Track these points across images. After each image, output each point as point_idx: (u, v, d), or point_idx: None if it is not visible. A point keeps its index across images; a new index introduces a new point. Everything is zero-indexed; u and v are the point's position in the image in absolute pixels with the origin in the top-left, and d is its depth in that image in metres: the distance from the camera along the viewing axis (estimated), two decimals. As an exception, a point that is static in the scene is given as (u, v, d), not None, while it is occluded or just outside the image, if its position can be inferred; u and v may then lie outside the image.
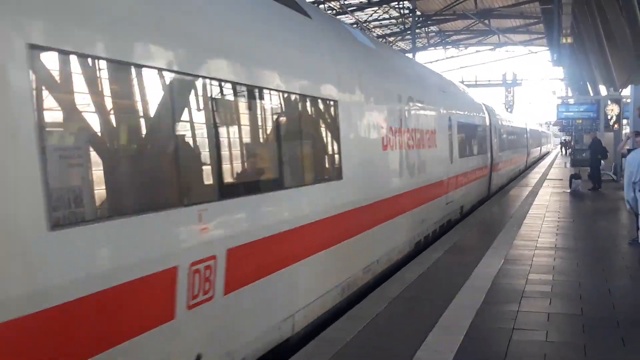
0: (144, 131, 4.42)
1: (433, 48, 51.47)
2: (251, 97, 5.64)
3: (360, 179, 7.88)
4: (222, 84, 5.08)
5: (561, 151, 59.23)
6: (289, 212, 6.06)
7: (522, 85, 58.75)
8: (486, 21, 40.14)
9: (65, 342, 3.34)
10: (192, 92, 4.72)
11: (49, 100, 3.47)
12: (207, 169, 4.88)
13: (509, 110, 48.02)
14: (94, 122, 3.88)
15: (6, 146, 3.05)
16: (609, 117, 24.28)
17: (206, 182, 4.88)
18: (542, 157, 53.26)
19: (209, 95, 4.82)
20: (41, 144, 3.22)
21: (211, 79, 4.85)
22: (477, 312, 6.76)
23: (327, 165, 7.38)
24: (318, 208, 6.70)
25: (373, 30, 43.64)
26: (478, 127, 17.80)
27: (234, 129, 5.48)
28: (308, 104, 6.82)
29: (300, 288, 6.30)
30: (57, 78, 3.60)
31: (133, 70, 4.05)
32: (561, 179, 26.00)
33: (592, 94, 31.11)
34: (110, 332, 3.65)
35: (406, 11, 37.73)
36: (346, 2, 36.57)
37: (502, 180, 23.37)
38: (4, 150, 3.03)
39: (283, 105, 6.22)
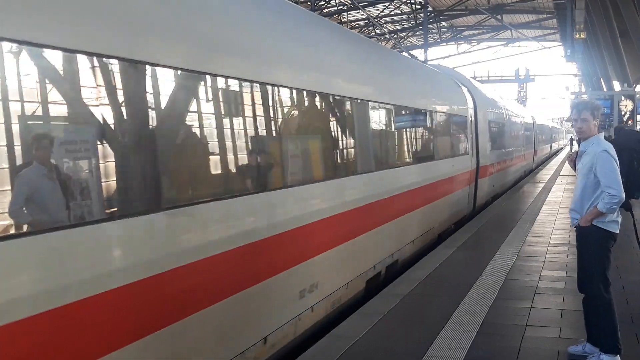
0: None
1: (445, 44, 51.29)
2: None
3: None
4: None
5: (571, 147, 58.82)
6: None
7: (535, 81, 58.47)
8: (498, 16, 39.92)
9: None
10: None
11: None
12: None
13: (521, 104, 47.67)
14: None
15: None
16: (623, 112, 24.12)
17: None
18: (552, 155, 52.55)
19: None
20: None
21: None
22: (490, 308, 6.74)
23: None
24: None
25: (384, 25, 43.53)
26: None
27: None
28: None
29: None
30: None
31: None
32: (574, 175, 25.80)
33: (605, 90, 30.91)
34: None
35: (418, 6, 37.55)
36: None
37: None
38: None
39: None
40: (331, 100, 7.11)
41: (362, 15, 37.91)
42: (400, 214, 9.14)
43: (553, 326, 6.17)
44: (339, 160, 7.36)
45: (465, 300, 7.06)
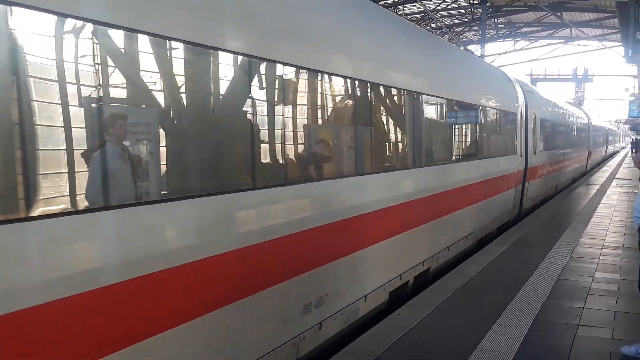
0: None
1: (502, 40, 50.51)
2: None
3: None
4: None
5: (631, 151, 57.45)
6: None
7: (593, 81, 57.15)
8: (558, 13, 39.15)
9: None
10: None
11: None
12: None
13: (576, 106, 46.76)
14: None
15: None
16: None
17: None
18: (608, 158, 51.41)
19: None
20: None
21: None
22: (542, 307, 6.77)
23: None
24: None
25: (440, 19, 43.14)
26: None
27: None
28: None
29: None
30: None
31: None
32: (630, 179, 25.31)
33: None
34: None
35: (476, 1, 37.09)
36: (414, -9, 36.27)
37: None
38: None
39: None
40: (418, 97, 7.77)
41: (419, 8, 37.62)
42: (432, 218, 8.26)
43: (606, 327, 6.17)
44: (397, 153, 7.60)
45: (517, 297, 7.10)
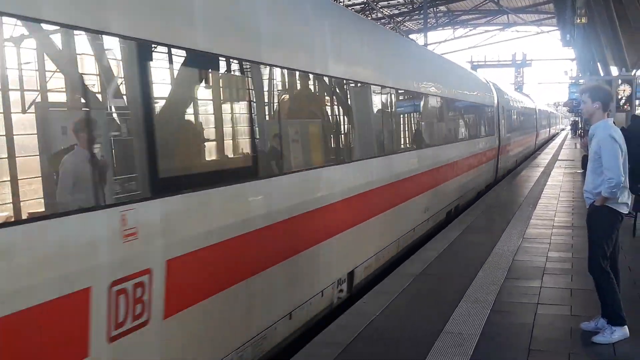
0: None
1: (441, 28, 51.21)
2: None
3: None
4: None
5: (571, 132, 59.15)
6: None
7: (531, 66, 58.45)
8: (494, 0, 39.91)
9: None
10: None
11: None
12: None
13: (517, 90, 47.86)
14: None
15: None
16: (620, 97, 24.25)
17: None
18: (551, 139, 53.13)
19: None
20: None
21: None
22: (501, 288, 6.93)
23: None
24: None
25: (381, 10, 43.46)
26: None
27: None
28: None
29: None
30: None
31: None
32: (572, 160, 26.05)
33: (602, 74, 31.02)
34: None
35: (415, -9, 37.50)
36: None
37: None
38: None
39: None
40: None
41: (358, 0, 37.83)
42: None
43: (564, 304, 6.36)
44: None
45: (475, 280, 7.24)
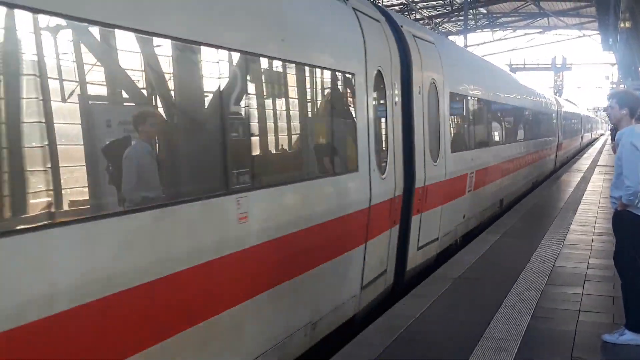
0: None
1: (480, 30, 50.76)
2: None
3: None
4: None
5: (611, 138, 58.17)
6: None
7: (572, 69, 57.53)
8: (536, 2, 39.45)
9: None
10: None
11: None
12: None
13: (557, 94, 47.24)
14: None
15: None
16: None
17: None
18: (589, 143, 52.39)
19: None
20: None
21: None
22: (542, 294, 6.86)
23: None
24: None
25: (420, 11, 43.26)
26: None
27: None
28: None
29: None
30: None
31: None
32: (612, 166, 25.60)
33: (645, 80, 30.40)
34: None
35: (455, -8, 37.26)
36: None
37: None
38: None
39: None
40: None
41: (398, 0, 37.68)
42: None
43: (606, 312, 6.27)
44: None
45: (516, 285, 7.18)
